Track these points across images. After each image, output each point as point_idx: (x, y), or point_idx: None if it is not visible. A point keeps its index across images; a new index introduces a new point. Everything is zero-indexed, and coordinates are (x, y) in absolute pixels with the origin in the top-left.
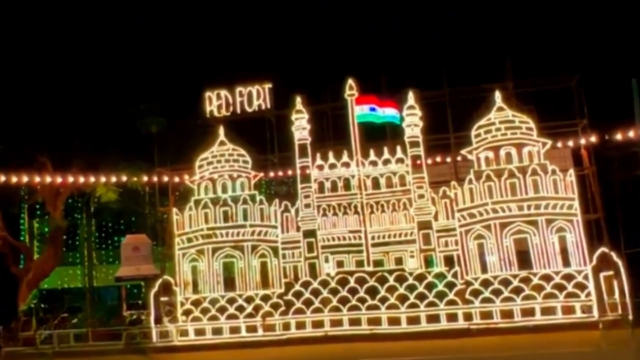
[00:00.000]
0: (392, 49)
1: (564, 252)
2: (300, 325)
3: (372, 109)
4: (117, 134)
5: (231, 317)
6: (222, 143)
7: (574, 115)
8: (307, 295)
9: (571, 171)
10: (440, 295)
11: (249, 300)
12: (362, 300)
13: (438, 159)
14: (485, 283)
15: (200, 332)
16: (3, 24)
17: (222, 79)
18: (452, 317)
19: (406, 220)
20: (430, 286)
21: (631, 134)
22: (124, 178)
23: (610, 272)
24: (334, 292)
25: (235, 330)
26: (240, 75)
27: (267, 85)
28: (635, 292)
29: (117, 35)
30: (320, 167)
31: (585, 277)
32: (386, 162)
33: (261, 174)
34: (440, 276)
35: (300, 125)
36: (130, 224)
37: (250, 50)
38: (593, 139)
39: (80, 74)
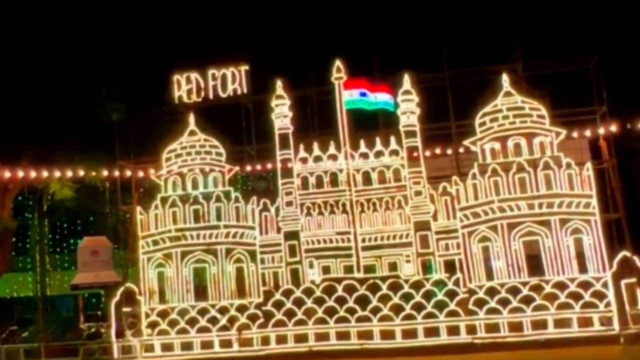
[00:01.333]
0: (386, 26)
1: (581, 256)
2: (281, 340)
3: (363, 94)
4: (74, 123)
5: (203, 330)
6: (192, 133)
7: (591, 101)
8: (288, 305)
9: (588, 165)
10: (440, 306)
11: (223, 311)
12: (351, 311)
13: (437, 151)
14: (491, 291)
15: (167, 347)
16: None
17: (193, 60)
18: (453, 330)
19: (401, 220)
20: (428, 295)
21: None
22: (81, 172)
23: (633, 279)
24: (320, 301)
25: (207, 345)
26: (213, 55)
27: (244, 67)
28: None
29: (75, 11)
30: (304, 160)
31: (605, 285)
32: (378, 154)
33: (237, 168)
34: (440, 284)
35: (281, 113)
36: (88, 224)
37: (224, 27)
38: (613, 128)
39: (32, 55)
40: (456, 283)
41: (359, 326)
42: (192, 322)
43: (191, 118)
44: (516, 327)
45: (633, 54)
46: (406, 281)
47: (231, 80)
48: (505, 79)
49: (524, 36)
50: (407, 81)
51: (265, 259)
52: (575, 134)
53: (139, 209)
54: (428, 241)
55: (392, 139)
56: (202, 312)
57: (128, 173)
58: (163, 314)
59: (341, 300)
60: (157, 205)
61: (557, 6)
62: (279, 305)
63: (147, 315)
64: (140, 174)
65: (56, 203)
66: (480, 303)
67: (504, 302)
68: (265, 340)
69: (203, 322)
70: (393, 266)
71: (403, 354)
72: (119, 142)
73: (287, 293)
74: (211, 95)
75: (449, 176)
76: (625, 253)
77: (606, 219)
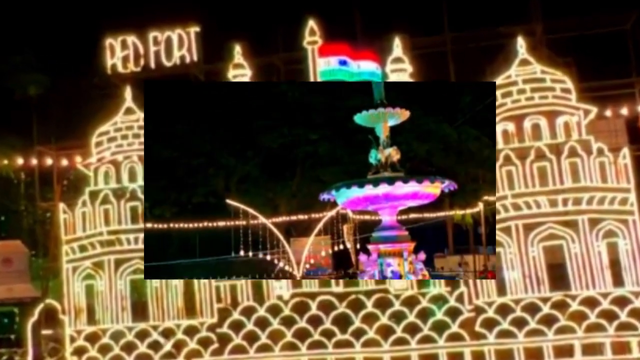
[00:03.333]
0: None
1: (615, 265)
2: None
3: (343, 63)
4: None
5: (142, 357)
6: (129, 111)
7: (628, 71)
8: (250, 326)
9: (625, 151)
10: (440, 327)
11: (168, 333)
12: (328, 334)
13: None
14: (503, 309)
15: None
16: None
17: (130, 20)
18: (456, 358)
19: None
20: (425, 314)
21: None
22: None
23: None
24: (289, 322)
25: None
26: (156, 14)
27: (194, 29)
28: None
29: None
30: None
31: None
32: None
33: None
34: (439, 299)
35: None
36: None
37: None
38: None
39: None
40: (459, 299)
41: (338, 353)
42: (129, 347)
43: (128, 92)
44: (535, 353)
45: None
46: (397, 297)
47: (178, 45)
48: (521, 43)
49: None
50: (398, 46)
51: None
52: (608, 113)
53: (62, 206)
54: None
55: None
56: (142, 335)
57: (49, 161)
58: (92, 338)
59: (316, 321)
60: (85, 202)
61: None
62: (237, 326)
63: (73, 339)
64: (64, 162)
65: None
66: (489, 324)
67: (520, 323)
68: None
69: (143, 347)
70: None
71: None
72: (38, 123)
73: (248, 311)
74: (153, 64)
75: None
76: None
77: None
